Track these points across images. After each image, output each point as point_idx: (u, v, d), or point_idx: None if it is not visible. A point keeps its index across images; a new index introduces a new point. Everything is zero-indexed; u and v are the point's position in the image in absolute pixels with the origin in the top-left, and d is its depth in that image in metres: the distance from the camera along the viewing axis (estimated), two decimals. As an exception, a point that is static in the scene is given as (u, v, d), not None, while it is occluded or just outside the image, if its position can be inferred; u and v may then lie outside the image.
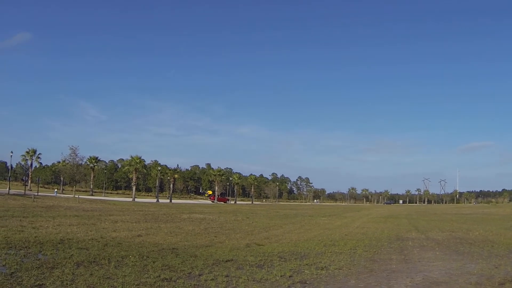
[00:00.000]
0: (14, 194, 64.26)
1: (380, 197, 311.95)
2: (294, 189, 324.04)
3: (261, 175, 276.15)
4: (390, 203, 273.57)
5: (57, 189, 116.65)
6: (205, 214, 55.06)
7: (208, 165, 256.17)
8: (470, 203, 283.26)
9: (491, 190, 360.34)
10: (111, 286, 11.76)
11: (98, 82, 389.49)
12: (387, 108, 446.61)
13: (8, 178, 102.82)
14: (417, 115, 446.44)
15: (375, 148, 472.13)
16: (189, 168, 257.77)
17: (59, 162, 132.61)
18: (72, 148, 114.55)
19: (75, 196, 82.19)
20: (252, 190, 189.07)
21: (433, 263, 17.85)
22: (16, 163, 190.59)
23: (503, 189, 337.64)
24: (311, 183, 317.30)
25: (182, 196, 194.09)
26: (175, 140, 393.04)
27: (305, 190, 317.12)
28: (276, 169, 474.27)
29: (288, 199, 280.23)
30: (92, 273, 13.22)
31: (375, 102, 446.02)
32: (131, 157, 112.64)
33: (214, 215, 53.49)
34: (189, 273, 14.10)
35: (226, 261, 16.67)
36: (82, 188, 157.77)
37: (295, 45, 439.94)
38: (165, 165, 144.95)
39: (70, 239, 21.49)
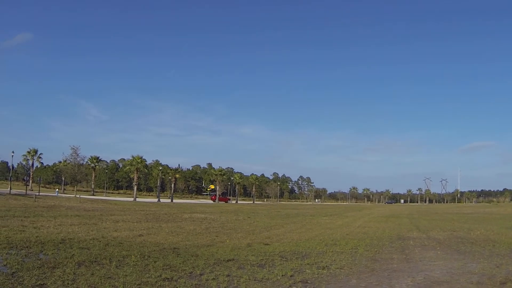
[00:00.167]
0: (15, 194, 64.33)
1: (381, 196, 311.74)
2: (296, 189, 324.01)
3: (262, 175, 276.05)
4: (391, 203, 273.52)
5: (58, 189, 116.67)
6: (206, 213, 55.06)
7: (209, 164, 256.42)
8: (471, 202, 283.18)
9: (492, 190, 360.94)
10: (112, 285, 11.76)
11: (99, 82, 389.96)
12: (388, 108, 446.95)
13: (9, 178, 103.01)
14: (418, 115, 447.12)
15: (376, 148, 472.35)
16: (190, 168, 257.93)
17: (60, 162, 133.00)
18: (73, 148, 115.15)
19: (76, 196, 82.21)
20: (254, 189, 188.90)
21: (434, 262, 17.85)
22: (18, 163, 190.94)
23: (504, 189, 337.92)
24: (312, 183, 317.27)
25: (183, 195, 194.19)
26: (176, 140, 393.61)
27: (306, 189, 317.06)
28: (277, 169, 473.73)
29: (290, 198, 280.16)
30: (93, 272, 13.23)
31: (376, 102, 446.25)
32: (132, 156, 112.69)
33: (215, 214, 53.48)
34: (191, 272, 14.10)
35: (227, 261, 16.67)
36: (83, 188, 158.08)
37: (296, 45, 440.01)
38: (166, 165, 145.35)
39: (71, 239, 21.50)
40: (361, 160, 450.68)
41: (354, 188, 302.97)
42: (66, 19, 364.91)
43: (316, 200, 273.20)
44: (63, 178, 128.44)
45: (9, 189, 71.54)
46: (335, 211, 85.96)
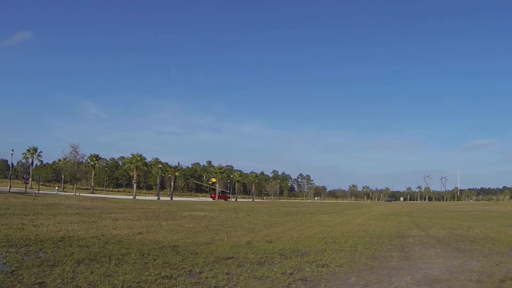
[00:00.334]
0: (15, 192, 64.36)
1: (381, 194, 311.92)
2: (295, 187, 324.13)
3: (262, 173, 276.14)
4: (390, 201, 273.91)
5: (58, 187, 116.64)
6: (206, 211, 55.09)
7: (209, 162, 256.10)
8: (471, 200, 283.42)
9: (492, 188, 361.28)
10: (112, 283, 11.76)
11: (100, 80, 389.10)
12: (388, 107, 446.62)
13: (9, 176, 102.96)
14: (419, 113, 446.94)
15: (376, 146, 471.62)
16: (190, 166, 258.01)
17: (60, 160, 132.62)
18: (73, 146, 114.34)
19: (76, 194, 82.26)
20: (253, 187, 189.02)
21: (434, 260, 17.86)
22: (17, 161, 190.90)
23: (504, 187, 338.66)
24: (312, 181, 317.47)
25: (183, 193, 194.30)
26: (177, 138, 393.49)
27: (306, 187, 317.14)
28: (277, 167, 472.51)
29: (289, 196, 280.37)
30: (92, 270, 13.23)
31: (377, 101, 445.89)
32: (132, 155, 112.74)
33: (215, 212, 53.51)
34: (190, 270, 14.10)
35: (227, 259, 16.67)
36: (83, 186, 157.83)
37: (297, 44, 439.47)
38: (166, 163, 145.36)
39: (70, 237, 21.51)
40: (361, 158, 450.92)
41: (353, 186, 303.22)
42: (66, 17, 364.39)
43: (316, 198, 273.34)
44: (62, 176, 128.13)
45: (8, 187, 71.58)
46: (334, 209, 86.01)
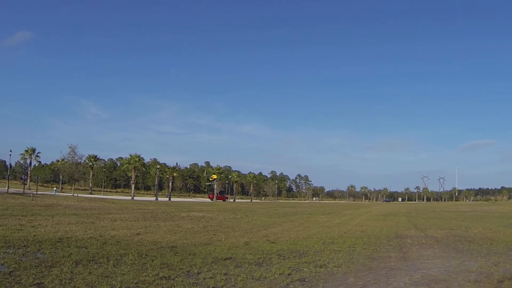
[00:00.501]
0: (13, 193, 64.26)
1: (379, 195, 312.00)
2: (293, 187, 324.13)
3: (260, 173, 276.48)
4: (389, 201, 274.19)
5: (56, 187, 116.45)
6: (204, 212, 55.06)
7: (207, 163, 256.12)
8: (469, 200, 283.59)
9: (490, 188, 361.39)
10: (110, 284, 11.76)
11: (99, 80, 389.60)
12: (387, 107, 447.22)
13: (7, 177, 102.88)
14: (418, 113, 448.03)
15: (375, 146, 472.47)
16: (188, 166, 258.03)
17: (58, 160, 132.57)
18: (71, 147, 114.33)
19: (74, 194, 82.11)
20: (251, 188, 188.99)
21: (432, 260, 17.89)
22: (15, 162, 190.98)
23: (502, 187, 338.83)
24: (310, 181, 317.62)
25: (181, 194, 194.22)
26: (176, 138, 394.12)
27: (304, 188, 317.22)
28: (276, 167, 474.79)
29: (287, 197, 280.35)
30: (90, 271, 13.22)
31: (375, 101, 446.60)
32: (130, 155, 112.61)
33: (213, 213, 53.48)
34: (188, 271, 14.10)
35: (225, 259, 16.67)
36: (81, 186, 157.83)
37: (297, 43, 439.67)
38: (164, 163, 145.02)
39: (69, 237, 21.49)
40: (359, 158, 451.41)
41: (352, 186, 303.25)
42: (66, 17, 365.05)
43: (314, 198, 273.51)
44: (61, 177, 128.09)
45: (7, 188, 71.40)
46: (332, 210, 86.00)
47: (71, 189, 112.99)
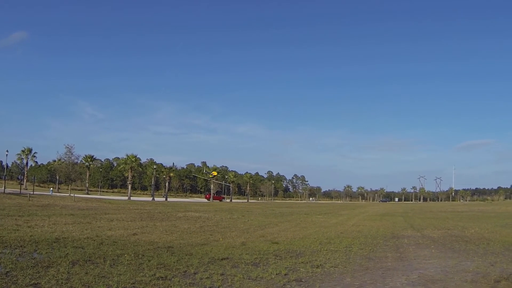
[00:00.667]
0: (9, 193, 64.21)
1: (376, 195, 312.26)
2: (290, 187, 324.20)
3: (257, 173, 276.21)
4: (385, 201, 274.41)
5: (53, 188, 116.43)
6: (201, 212, 55.01)
7: (204, 163, 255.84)
8: (465, 201, 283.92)
9: (487, 188, 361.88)
10: (107, 284, 11.74)
11: (96, 80, 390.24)
12: (384, 107, 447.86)
13: (3, 177, 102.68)
14: (415, 113, 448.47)
15: (372, 146, 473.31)
16: (185, 167, 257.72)
17: (54, 160, 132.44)
18: (68, 147, 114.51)
19: (71, 194, 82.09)
20: (248, 188, 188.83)
21: (428, 260, 17.91)
22: (12, 162, 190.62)
23: (499, 187, 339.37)
24: (307, 181, 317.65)
25: (177, 194, 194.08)
26: (173, 138, 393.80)
27: (300, 188, 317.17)
28: (273, 167, 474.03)
29: (284, 197, 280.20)
30: (87, 271, 13.21)
31: (372, 101, 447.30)
32: (127, 155, 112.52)
33: (209, 213, 53.45)
34: (185, 271, 14.10)
35: (222, 259, 16.67)
36: (77, 186, 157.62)
37: (294, 43, 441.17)
38: (161, 164, 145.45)
39: (65, 238, 21.46)
40: (356, 159, 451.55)
41: (348, 186, 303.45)
42: (61, 18, 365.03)
43: (311, 198, 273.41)
44: (57, 177, 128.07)
45: (3, 188, 71.36)
46: (329, 210, 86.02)
47: (67, 189, 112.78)
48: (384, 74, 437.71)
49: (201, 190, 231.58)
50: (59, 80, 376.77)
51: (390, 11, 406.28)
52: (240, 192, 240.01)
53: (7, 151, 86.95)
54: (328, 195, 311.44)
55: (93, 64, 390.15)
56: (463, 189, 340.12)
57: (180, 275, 13.44)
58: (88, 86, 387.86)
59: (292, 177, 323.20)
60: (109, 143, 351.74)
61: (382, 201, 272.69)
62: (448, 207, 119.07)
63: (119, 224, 31.48)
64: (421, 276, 14.33)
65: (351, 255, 19.20)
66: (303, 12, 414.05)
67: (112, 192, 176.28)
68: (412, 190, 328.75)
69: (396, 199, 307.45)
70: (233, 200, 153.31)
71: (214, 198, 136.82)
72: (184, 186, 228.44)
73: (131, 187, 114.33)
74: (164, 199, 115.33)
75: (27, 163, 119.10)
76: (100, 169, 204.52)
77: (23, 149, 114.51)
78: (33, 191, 79.63)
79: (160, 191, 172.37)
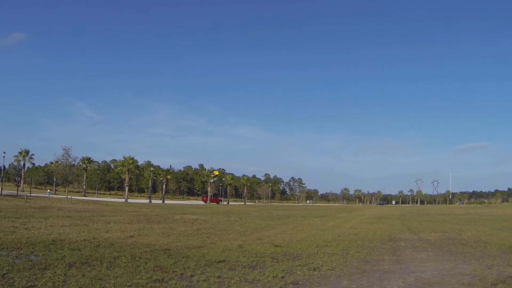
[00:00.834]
0: (6, 195, 64.19)
1: (373, 197, 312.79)
2: (287, 190, 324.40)
3: (254, 176, 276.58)
4: (382, 204, 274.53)
5: (50, 189, 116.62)
6: (198, 215, 54.97)
7: (201, 165, 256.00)
8: (462, 203, 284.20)
9: (484, 191, 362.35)
10: (103, 287, 11.72)
11: (93, 82, 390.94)
12: (381, 109, 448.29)
13: (0, 179, 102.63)
14: (413, 115, 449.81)
15: (369, 149, 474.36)
16: (182, 169, 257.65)
17: (52, 162, 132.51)
18: (65, 149, 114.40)
19: (68, 196, 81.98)
20: (245, 190, 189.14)
21: (425, 263, 17.90)
22: (9, 164, 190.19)
23: (496, 190, 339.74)
24: (304, 184, 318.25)
25: (175, 197, 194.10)
26: (170, 140, 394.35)
27: (297, 190, 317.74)
28: (270, 170, 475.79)
29: (281, 199, 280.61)
30: (84, 274, 13.18)
31: (371, 103, 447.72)
32: (124, 157, 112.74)
33: (206, 216, 53.41)
34: (181, 274, 14.08)
35: (219, 262, 16.65)
36: (74, 188, 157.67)
37: (292, 46, 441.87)
38: (158, 166, 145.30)
39: (62, 240, 21.42)
40: (353, 161, 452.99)
41: (345, 189, 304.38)
42: (59, 19, 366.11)
43: (308, 201, 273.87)
44: (54, 179, 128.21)
45: (0, 190, 71.23)
46: (326, 212, 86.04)
47: (64, 191, 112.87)
48: (382, 76, 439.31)
49: (198, 192, 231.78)
50: (57, 81, 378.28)
51: (388, 13, 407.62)
52: (237, 195, 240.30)
53: (4, 152, 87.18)
54: (325, 198, 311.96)
55: (91, 65, 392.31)
56: (460, 192, 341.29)
57: (177, 278, 13.42)
58: (85, 87, 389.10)
59: (289, 180, 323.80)
60: (106, 145, 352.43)
61: (379, 204, 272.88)
62: (445, 210, 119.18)
63: (116, 227, 31.44)
64: (418, 279, 14.33)
65: (348, 258, 19.19)
66: (301, 14, 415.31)
67: (109, 194, 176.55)
68: (409, 193, 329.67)
69: (393, 202, 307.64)
70: (230, 203, 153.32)
71: (211, 201, 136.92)
72: (181, 189, 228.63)
73: (128, 189, 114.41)
74: (161, 201, 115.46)
75: (24, 164, 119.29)
76: (97, 171, 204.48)
77: (20, 150, 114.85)
78: (30, 193, 79.68)
79: (157, 193, 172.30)
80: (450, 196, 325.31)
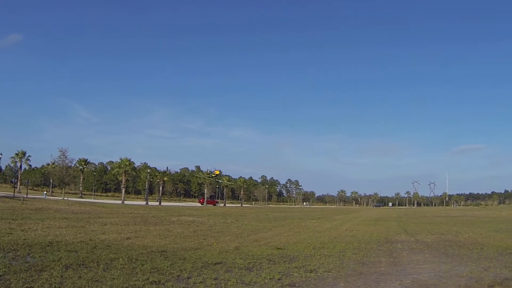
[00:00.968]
0: (3, 196, 63.95)
1: (370, 199, 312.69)
2: (284, 192, 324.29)
3: (251, 178, 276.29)
4: (379, 206, 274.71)
5: (46, 191, 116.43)
6: (194, 216, 54.95)
7: (198, 167, 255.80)
8: (459, 205, 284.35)
9: (480, 193, 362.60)
10: (100, 289, 11.72)
11: (90, 83, 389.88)
12: (378, 111, 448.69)
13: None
14: (409, 118, 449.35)
15: (366, 151, 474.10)
16: (179, 171, 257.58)
17: (48, 164, 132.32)
18: (62, 150, 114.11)
19: (64, 198, 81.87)
20: (242, 192, 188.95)
21: (422, 265, 17.91)
22: (6, 165, 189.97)
23: (493, 192, 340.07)
24: (301, 186, 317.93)
25: (171, 198, 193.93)
26: (167, 142, 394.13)
27: (294, 192, 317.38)
28: (267, 172, 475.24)
29: (278, 201, 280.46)
30: (80, 275, 13.17)
31: (366, 105, 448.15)
32: (121, 159, 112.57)
33: (203, 217, 53.39)
34: (178, 276, 14.07)
35: (215, 264, 16.64)
36: (71, 190, 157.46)
37: (289, 47, 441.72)
38: (155, 168, 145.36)
39: (59, 241, 21.39)
40: (350, 163, 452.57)
41: (342, 191, 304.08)
42: (56, 20, 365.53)
43: (304, 203, 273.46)
44: (51, 181, 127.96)
45: (-4, 191, 71.18)
46: (323, 214, 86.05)
47: (61, 192, 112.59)
48: (379, 79, 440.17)
49: (194, 194, 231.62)
50: (54, 82, 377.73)
51: (384, 15, 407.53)
52: (234, 197, 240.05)
53: (0, 154, 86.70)
54: (322, 199, 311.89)
55: (88, 66, 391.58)
56: (457, 194, 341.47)
57: (174, 280, 13.41)
58: (82, 89, 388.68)
59: (286, 182, 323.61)
60: (103, 146, 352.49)
61: (376, 206, 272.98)
62: (441, 212, 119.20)
63: (113, 228, 31.41)
64: (415, 281, 14.34)
65: (344, 260, 19.19)
66: (298, 16, 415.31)
67: (106, 196, 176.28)
68: (406, 195, 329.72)
69: (390, 204, 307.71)
70: (226, 205, 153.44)
71: (207, 203, 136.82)
72: (178, 190, 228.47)
73: (125, 191, 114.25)
74: (158, 203, 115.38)
75: (21, 166, 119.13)
76: (94, 173, 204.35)
77: (17, 152, 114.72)
78: (27, 195, 79.49)
79: (154, 195, 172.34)
80: (447, 198, 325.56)
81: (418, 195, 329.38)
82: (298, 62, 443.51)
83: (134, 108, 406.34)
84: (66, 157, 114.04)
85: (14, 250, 17.76)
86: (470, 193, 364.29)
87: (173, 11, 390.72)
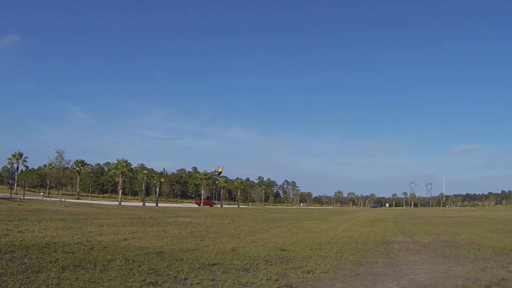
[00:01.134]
0: (0, 198, 63.93)
1: (367, 200, 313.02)
2: (281, 193, 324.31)
3: (248, 179, 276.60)
4: (376, 207, 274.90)
5: (43, 192, 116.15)
6: (191, 217, 54.90)
7: (194, 168, 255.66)
8: (456, 206, 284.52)
9: (477, 194, 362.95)
10: (97, 290, 11.71)
11: (86, 85, 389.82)
12: (375, 112, 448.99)
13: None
14: (406, 118, 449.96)
15: (362, 152, 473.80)
16: (176, 172, 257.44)
17: (45, 165, 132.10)
18: (59, 152, 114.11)
19: (61, 199, 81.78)
20: (238, 193, 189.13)
21: (419, 266, 17.92)
22: (2, 167, 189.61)
23: (490, 192, 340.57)
24: (298, 187, 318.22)
25: (168, 199, 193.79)
26: (163, 143, 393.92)
27: (291, 193, 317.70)
28: (263, 173, 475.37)
29: (275, 202, 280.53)
30: (77, 277, 13.15)
31: (363, 106, 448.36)
32: (118, 160, 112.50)
33: (200, 218, 53.33)
34: (175, 277, 14.06)
35: (212, 265, 16.62)
36: (68, 191, 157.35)
37: (285, 49, 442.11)
38: (152, 169, 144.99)
39: (55, 243, 21.35)
40: (346, 164, 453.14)
41: (339, 192, 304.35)
42: (52, 22, 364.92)
43: (301, 204, 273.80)
44: (48, 182, 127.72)
45: (-7, 192, 71.12)
46: (320, 215, 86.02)
47: (58, 194, 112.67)
48: (375, 80, 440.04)
49: (191, 195, 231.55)
50: (50, 84, 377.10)
51: (378, 17, 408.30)
52: (231, 198, 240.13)
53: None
54: (318, 200, 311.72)
55: (83, 68, 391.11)
56: (454, 194, 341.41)
57: (171, 281, 13.41)
58: (78, 90, 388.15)
59: (283, 183, 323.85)
60: (100, 148, 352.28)
61: (373, 207, 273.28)
62: (438, 213, 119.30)
63: (110, 229, 31.36)
64: (412, 282, 14.35)
65: (341, 260, 19.19)
66: (294, 18, 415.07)
67: (103, 197, 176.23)
68: (403, 196, 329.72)
69: (387, 205, 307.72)
70: (223, 206, 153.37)
71: (204, 204, 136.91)
72: (175, 192, 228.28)
73: (122, 192, 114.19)
74: (154, 204, 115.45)
75: (17, 167, 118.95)
76: (91, 174, 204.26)
77: (14, 153, 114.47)
78: (24, 196, 79.50)
79: (150, 196, 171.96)
80: (444, 199, 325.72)
81: (415, 196, 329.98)
82: (295, 64, 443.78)
83: (131, 109, 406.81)
84: (63, 159, 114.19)
85: (11, 251, 17.73)
86: (467, 193, 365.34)
87: (169, 13, 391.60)
